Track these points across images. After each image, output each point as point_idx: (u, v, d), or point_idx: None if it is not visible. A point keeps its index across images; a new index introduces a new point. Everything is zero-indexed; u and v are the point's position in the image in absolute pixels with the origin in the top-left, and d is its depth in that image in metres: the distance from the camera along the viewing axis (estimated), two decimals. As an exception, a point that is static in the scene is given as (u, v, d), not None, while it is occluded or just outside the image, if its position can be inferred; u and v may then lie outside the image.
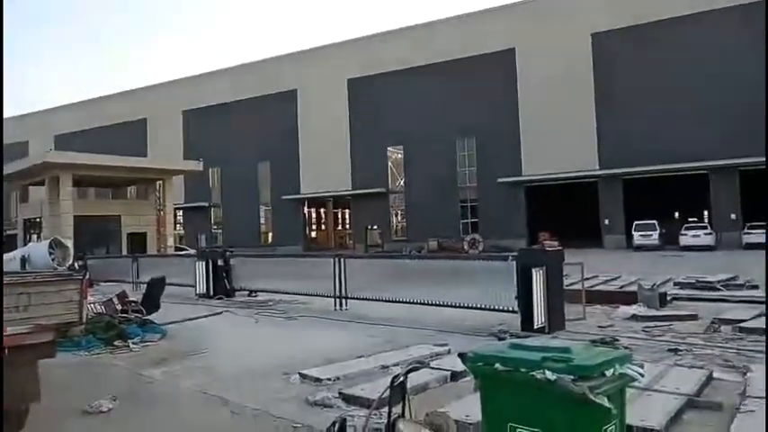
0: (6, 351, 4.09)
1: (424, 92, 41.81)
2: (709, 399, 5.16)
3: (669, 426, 4.41)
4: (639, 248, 31.56)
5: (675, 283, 13.61)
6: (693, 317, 9.48)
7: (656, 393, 5.11)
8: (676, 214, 42.74)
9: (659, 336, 8.25)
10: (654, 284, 12.15)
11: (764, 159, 28.03)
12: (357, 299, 11.53)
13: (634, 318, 9.60)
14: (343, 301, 11.75)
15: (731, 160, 31.56)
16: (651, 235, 32.22)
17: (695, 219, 37.42)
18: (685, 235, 31.63)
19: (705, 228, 32.55)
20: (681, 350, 7.18)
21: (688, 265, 19.43)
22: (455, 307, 9.78)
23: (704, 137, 32.32)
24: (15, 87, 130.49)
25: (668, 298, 11.33)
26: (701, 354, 7.02)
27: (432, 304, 10.12)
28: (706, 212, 37.63)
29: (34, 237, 30.27)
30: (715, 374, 5.88)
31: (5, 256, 17.74)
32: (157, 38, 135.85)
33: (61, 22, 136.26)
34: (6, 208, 55.43)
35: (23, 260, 15.32)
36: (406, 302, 10.52)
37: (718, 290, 12.12)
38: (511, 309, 8.98)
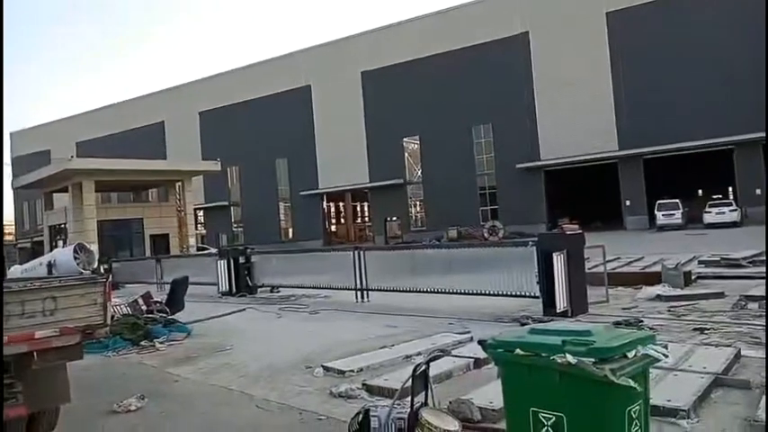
0: (36, 354, 4.19)
1: (437, 80, 41.54)
2: (736, 377, 5.08)
3: (696, 405, 4.35)
4: (662, 228, 31.09)
5: (700, 262, 13.40)
6: (719, 295, 9.33)
7: (682, 373, 5.05)
8: (700, 192, 42.04)
9: (684, 315, 8.14)
10: (678, 264, 11.96)
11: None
12: (378, 290, 11.56)
13: (658, 298, 9.48)
14: (365, 293, 11.79)
15: (754, 134, 30.82)
16: (674, 214, 31.71)
17: (719, 196, 36.71)
18: (709, 212, 31.05)
19: (730, 204, 31.91)
20: (707, 329, 7.08)
21: (713, 243, 19.12)
22: (477, 294, 9.77)
23: (726, 111, 31.64)
24: (35, 97, 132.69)
25: (693, 277, 11.18)
26: (728, 332, 6.91)
27: (453, 293, 10.13)
28: (730, 189, 36.92)
29: (60, 243, 30.84)
30: (743, 352, 5.78)
31: (32, 263, 18.14)
32: (171, 40, 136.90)
33: (73, 29, 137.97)
34: (33, 216, 56.58)
35: (50, 266, 15.62)
36: (427, 292, 10.54)
37: (744, 267, 11.90)
38: (533, 294, 8.95)
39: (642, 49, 34.73)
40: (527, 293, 9.06)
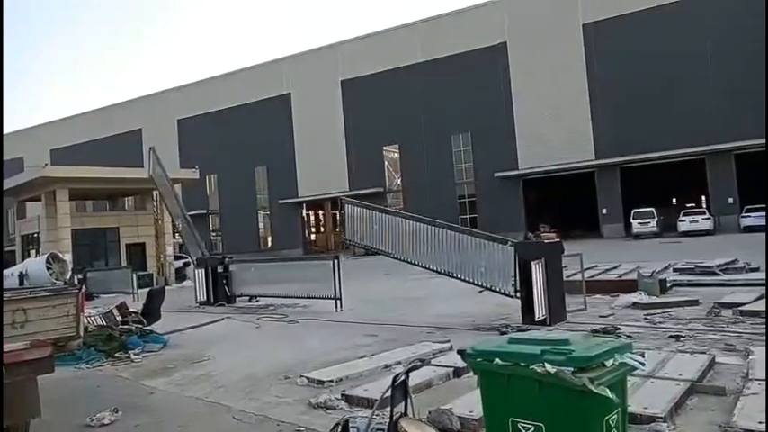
0: (4, 368, 4.07)
1: (417, 89, 41.78)
2: (711, 383, 5.16)
3: (673, 412, 4.40)
4: (638, 236, 31.54)
5: (675, 270, 13.61)
6: (694, 302, 9.48)
7: (659, 380, 5.11)
8: (674, 200, 42.82)
9: (660, 323, 8.26)
10: (653, 272, 12.15)
11: (758, 142, 28.18)
12: (361, 246, 11.58)
13: (635, 306, 9.61)
14: (342, 301, 11.77)
15: (726, 144, 31.56)
16: (649, 222, 32.22)
17: (693, 204, 37.41)
18: (683, 221, 31.62)
19: (703, 213, 32.55)
20: (682, 336, 7.18)
21: (687, 251, 19.44)
22: (462, 280, 9.87)
23: (698, 121, 32.32)
24: (7, 103, 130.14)
25: (668, 284, 11.35)
26: (703, 339, 7.02)
27: (442, 273, 10.20)
28: (703, 197, 37.65)
29: (32, 252, 30.17)
30: (717, 359, 5.88)
31: (3, 273, 17.70)
32: (148, 47, 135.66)
33: (46, 35, 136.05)
34: (5, 225, 55.31)
35: (21, 276, 15.29)
36: (413, 263, 10.63)
37: (718, 274, 12.12)
38: (507, 292, 9.13)
39: (617, 60, 35.36)
40: (502, 290, 9.22)
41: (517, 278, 8.87)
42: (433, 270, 10.35)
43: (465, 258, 9.79)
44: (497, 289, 9.33)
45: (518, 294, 8.88)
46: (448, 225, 10.46)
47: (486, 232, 9.83)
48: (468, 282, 9.84)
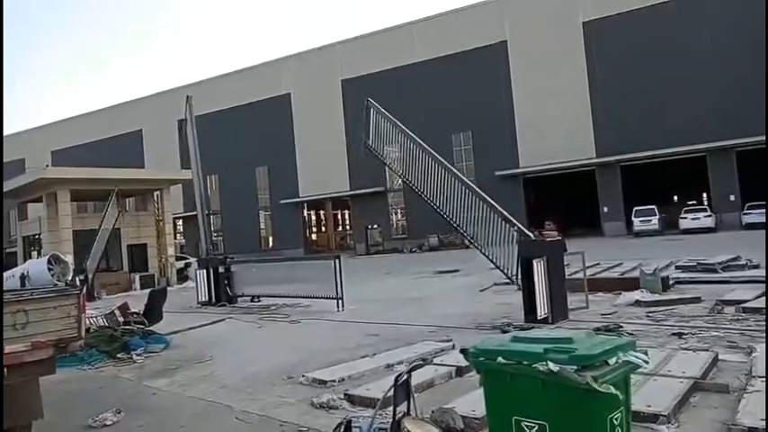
0: (6, 370, 4.06)
1: (417, 88, 41.73)
2: (715, 381, 5.14)
3: (676, 409, 4.38)
4: (640, 234, 31.49)
5: (677, 267, 13.58)
6: (696, 300, 9.46)
7: (662, 378, 5.09)
8: (675, 198, 42.77)
9: (663, 320, 8.23)
10: (655, 269, 12.11)
11: (759, 139, 28.13)
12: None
13: (637, 304, 9.58)
14: (344, 301, 11.75)
15: (728, 141, 31.52)
16: (651, 220, 32.15)
17: (694, 202, 37.35)
18: (685, 218, 31.55)
19: (705, 210, 32.50)
20: (685, 333, 7.16)
21: (689, 249, 19.41)
22: (469, 241, 10.39)
23: (699, 119, 32.27)
24: (8, 105, 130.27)
25: (670, 282, 11.33)
26: (706, 336, 7.00)
27: (453, 224, 10.59)
28: (705, 195, 37.58)
29: (34, 254, 30.19)
30: (720, 356, 5.86)
31: (4, 275, 17.72)
32: (149, 47, 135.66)
33: (47, 36, 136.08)
34: (6, 226, 55.33)
35: (23, 278, 15.28)
36: (433, 206, 11.02)
37: (720, 272, 12.09)
38: (511, 276, 9.45)
39: (618, 58, 35.29)
40: (503, 269, 9.54)
41: (518, 274, 8.90)
42: (443, 215, 10.61)
43: (476, 221, 10.01)
44: (500, 266, 9.52)
45: (518, 283, 9.02)
46: (467, 184, 10.59)
47: (500, 208, 9.95)
48: (475, 246, 9.98)
